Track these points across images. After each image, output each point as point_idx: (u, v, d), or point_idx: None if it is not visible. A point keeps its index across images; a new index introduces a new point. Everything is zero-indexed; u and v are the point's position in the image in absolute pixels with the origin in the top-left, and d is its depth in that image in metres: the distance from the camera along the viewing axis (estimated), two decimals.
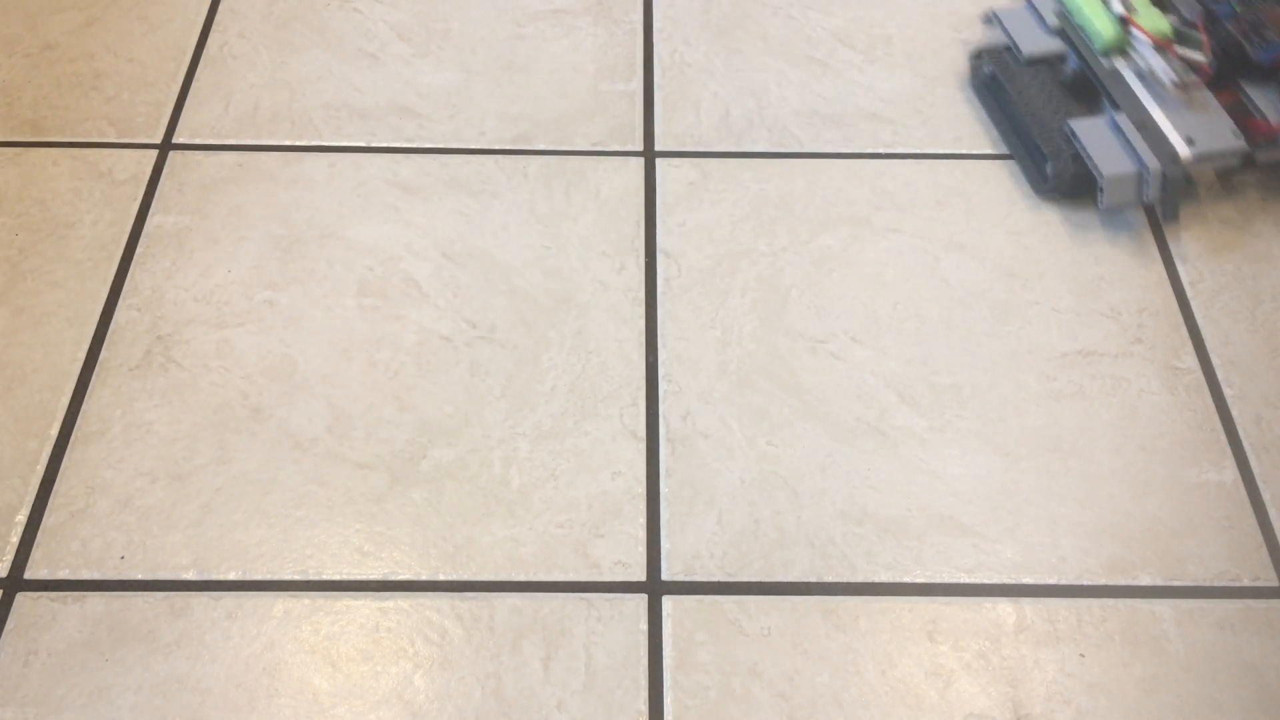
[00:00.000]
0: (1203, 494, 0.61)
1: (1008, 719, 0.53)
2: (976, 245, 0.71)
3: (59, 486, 0.59)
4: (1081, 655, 0.55)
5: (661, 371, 0.65)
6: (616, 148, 0.75)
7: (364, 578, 0.57)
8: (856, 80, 0.80)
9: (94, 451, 0.61)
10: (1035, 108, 0.73)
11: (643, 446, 0.62)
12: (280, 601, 0.56)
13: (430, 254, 0.69)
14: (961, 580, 0.57)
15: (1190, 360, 0.66)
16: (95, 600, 0.56)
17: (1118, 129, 0.70)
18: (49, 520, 0.58)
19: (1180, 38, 0.71)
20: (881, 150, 0.76)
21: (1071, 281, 0.69)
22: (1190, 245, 0.71)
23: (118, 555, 0.57)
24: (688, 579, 0.57)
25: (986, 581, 0.57)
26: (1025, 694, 0.54)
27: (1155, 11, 0.72)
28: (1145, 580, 0.58)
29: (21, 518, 0.58)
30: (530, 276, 0.69)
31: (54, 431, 0.61)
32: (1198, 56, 0.70)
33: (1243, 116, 0.70)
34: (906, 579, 0.57)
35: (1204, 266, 0.70)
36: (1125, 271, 0.70)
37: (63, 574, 0.56)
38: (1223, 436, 0.63)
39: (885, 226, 0.72)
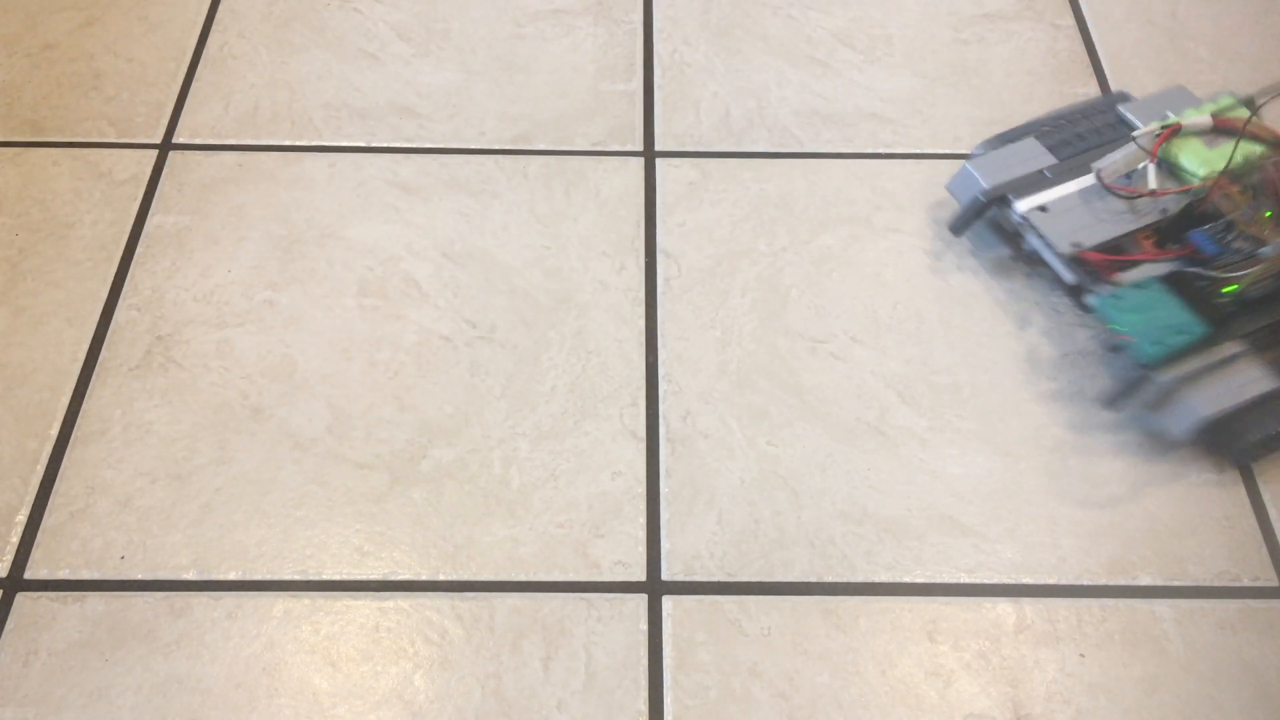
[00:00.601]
0: (1203, 494, 0.61)
1: (1008, 719, 0.53)
2: (977, 244, 0.71)
3: (59, 486, 0.59)
4: (1081, 655, 0.55)
5: (661, 371, 0.65)
6: (616, 148, 0.75)
7: (364, 578, 0.57)
8: (856, 80, 0.80)
9: (94, 451, 0.61)
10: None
11: (643, 446, 0.62)
12: (280, 601, 0.56)
13: (430, 254, 0.69)
14: (961, 580, 0.57)
15: None
16: (95, 600, 0.56)
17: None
18: (49, 520, 0.58)
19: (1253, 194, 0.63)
20: (881, 150, 0.76)
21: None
22: None
23: (118, 555, 0.57)
24: (688, 579, 0.57)
25: (986, 581, 0.57)
26: (1025, 694, 0.54)
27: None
28: (1145, 580, 0.58)
29: (21, 518, 0.58)
30: (530, 276, 0.69)
31: (54, 431, 0.61)
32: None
33: None
34: (906, 579, 0.57)
35: None
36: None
37: (63, 574, 0.56)
38: None
39: (885, 226, 0.72)
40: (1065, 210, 0.64)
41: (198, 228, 0.70)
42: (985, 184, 0.66)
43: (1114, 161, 0.65)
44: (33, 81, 0.78)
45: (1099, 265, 0.62)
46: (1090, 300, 0.61)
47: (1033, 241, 0.65)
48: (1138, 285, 0.60)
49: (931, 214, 0.72)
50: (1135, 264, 0.62)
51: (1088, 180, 0.65)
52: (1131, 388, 0.60)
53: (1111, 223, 0.63)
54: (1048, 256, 0.64)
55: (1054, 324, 0.67)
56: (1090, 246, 0.63)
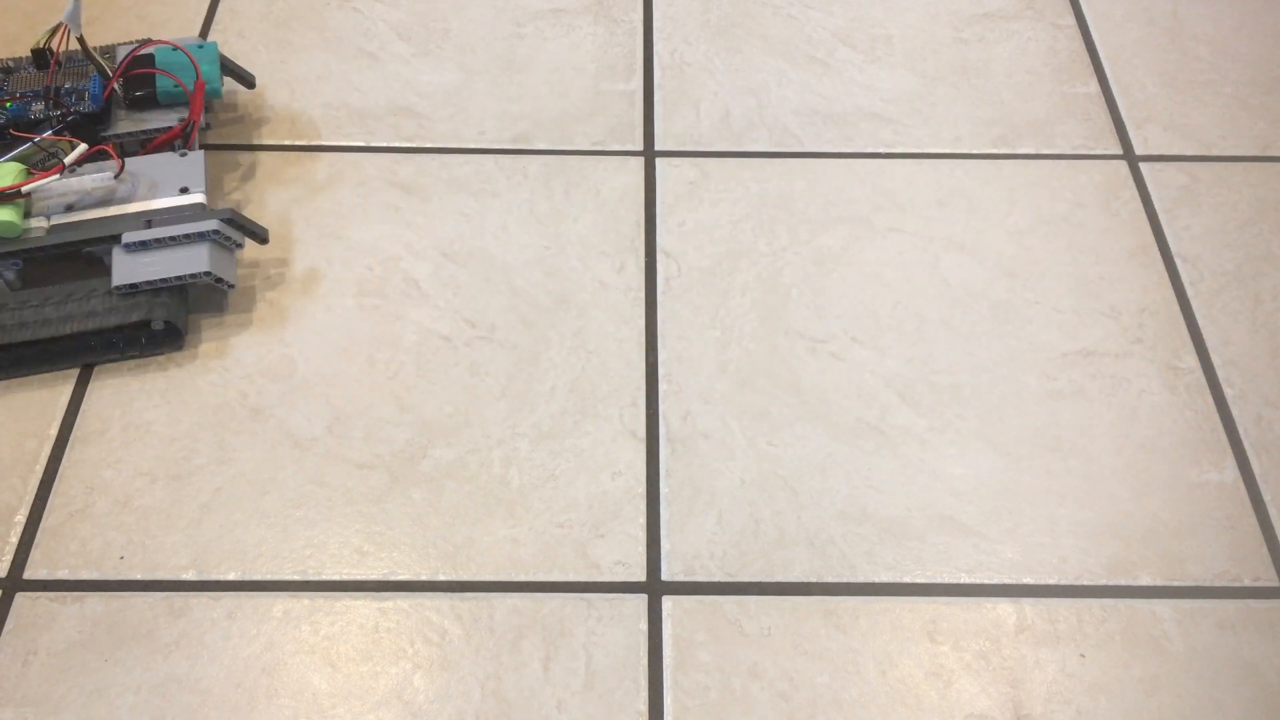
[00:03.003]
0: (1203, 494, 0.61)
1: (1008, 719, 0.53)
2: (976, 245, 0.71)
3: (58, 486, 0.59)
4: (1082, 655, 0.55)
5: (661, 371, 0.65)
6: (616, 147, 0.75)
7: (364, 578, 0.57)
8: (856, 80, 0.80)
9: (93, 451, 0.61)
10: (73, 315, 0.61)
11: (643, 446, 0.62)
12: (280, 601, 0.56)
13: (430, 254, 0.69)
14: (961, 580, 0.57)
15: (1190, 360, 0.66)
16: (95, 600, 0.56)
17: (145, 243, 0.61)
18: (48, 520, 0.58)
19: (46, 157, 0.64)
20: (882, 150, 0.76)
21: (1071, 281, 0.69)
22: (1190, 245, 0.71)
23: (117, 555, 0.57)
24: (688, 579, 0.57)
25: (986, 581, 0.57)
26: (1025, 694, 0.54)
27: (10, 167, 0.63)
28: (1145, 580, 0.58)
29: (21, 518, 0.58)
30: (530, 276, 0.69)
31: (53, 431, 0.61)
32: (82, 148, 0.63)
33: (152, 143, 0.68)
34: (906, 579, 0.57)
35: (1204, 266, 0.70)
36: (1125, 271, 0.70)
37: (62, 574, 0.56)
38: (1223, 436, 0.63)
39: (886, 226, 0.71)
40: None
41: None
42: None
43: None
44: None
45: None
46: None
47: None
48: None
49: (932, 214, 0.72)
50: None
51: None
52: None
53: None
54: None
55: (1054, 324, 0.67)
56: None
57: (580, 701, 0.53)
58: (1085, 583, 0.58)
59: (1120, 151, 0.76)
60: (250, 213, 0.71)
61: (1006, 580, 0.58)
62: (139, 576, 0.57)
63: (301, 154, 0.74)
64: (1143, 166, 0.76)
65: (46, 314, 0.61)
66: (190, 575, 0.57)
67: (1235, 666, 0.55)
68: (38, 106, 0.67)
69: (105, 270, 0.63)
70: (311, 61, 0.80)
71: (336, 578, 0.57)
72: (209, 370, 0.64)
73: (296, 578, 0.57)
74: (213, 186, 0.71)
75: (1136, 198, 0.74)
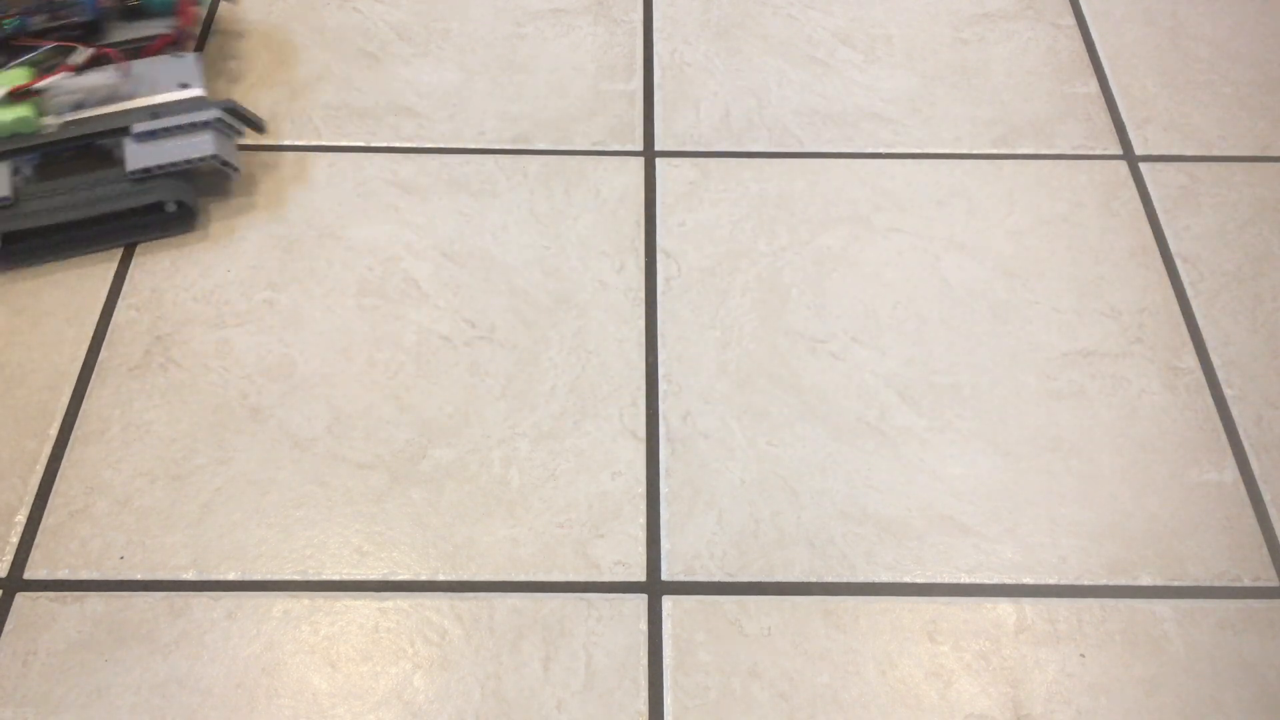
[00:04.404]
0: (1203, 494, 0.61)
1: (1008, 719, 0.53)
2: (976, 245, 0.71)
3: (58, 486, 0.59)
4: (1082, 655, 0.55)
5: (661, 371, 0.65)
6: (616, 147, 0.75)
7: (364, 578, 0.57)
8: (857, 80, 0.80)
9: (93, 451, 0.61)
10: (94, 198, 0.66)
11: (643, 446, 0.62)
12: (280, 601, 0.56)
13: (430, 254, 0.69)
14: (961, 580, 0.57)
15: (1190, 360, 0.66)
16: (95, 600, 0.56)
17: (155, 132, 0.67)
18: (48, 520, 0.58)
19: (50, 63, 0.69)
20: (882, 150, 0.76)
21: (1071, 281, 0.69)
22: (1190, 245, 0.71)
23: (117, 555, 0.57)
24: (688, 579, 0.57)
25: (986, 581, 0.57)
26: (1025, 694, 0.54)
27: (11, 71, 0.68)
28: (1145, 580, 0.58)
29: (21, 518, 0.58)
30: (530, 276, 0.69)
31: (53, 431, 0.61)
32: (88, 51, 0.69)
33: (148, 47, 0.72)
34: (906, 579, 0.57)
35: (1204, 266, 0.70)
36: (1125, 271, 0.70)
37: (62, 574, 0.56)
38: (1223, 436, 0.63)
39: (885, 226, 0.71)
40: None
41: (196, 228, 0.70)
42: None
43: None
44: None
45: None
46: None
47: None
48: None
49: (932, 214, 0.72)
50: None
51: None
52: None
53: None
54: None
55: (1054, 324, 0.67)
56: None
57: (580, 701, 0.53)
58: (1085, 583, 0.58)
59: (1120, 151, 0.76)
60: (249, 213, 0.71)
61: (1006, 580, 0.58)
62: (139, 576, 0.57)
63: (302, 154, 0.74)
64: (1143, 166, 0.76)
65: (71, 200, 0.66)
66: (190, 575, 0.57)
67: (1235, 666, 0.55)
68: (38, 18, 0.70)
69: (115, 163, 0.67)
70: (311, 61, 0.80)
71: (336, 578, 0.57)
72: (209, 370, 0.64)
73: (296, 578, 0.57)
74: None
75: (1136, 198, 0.74)
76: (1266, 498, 0.61)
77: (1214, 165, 0.76)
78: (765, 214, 0.72)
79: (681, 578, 0.57)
